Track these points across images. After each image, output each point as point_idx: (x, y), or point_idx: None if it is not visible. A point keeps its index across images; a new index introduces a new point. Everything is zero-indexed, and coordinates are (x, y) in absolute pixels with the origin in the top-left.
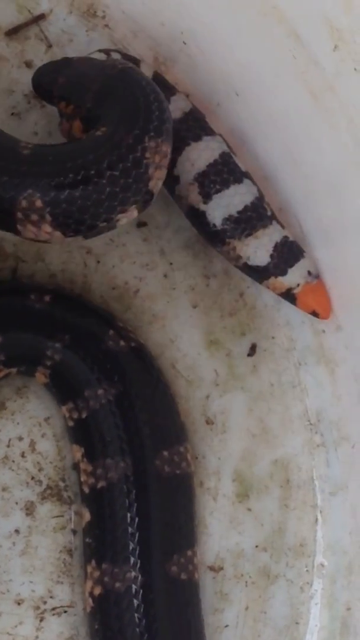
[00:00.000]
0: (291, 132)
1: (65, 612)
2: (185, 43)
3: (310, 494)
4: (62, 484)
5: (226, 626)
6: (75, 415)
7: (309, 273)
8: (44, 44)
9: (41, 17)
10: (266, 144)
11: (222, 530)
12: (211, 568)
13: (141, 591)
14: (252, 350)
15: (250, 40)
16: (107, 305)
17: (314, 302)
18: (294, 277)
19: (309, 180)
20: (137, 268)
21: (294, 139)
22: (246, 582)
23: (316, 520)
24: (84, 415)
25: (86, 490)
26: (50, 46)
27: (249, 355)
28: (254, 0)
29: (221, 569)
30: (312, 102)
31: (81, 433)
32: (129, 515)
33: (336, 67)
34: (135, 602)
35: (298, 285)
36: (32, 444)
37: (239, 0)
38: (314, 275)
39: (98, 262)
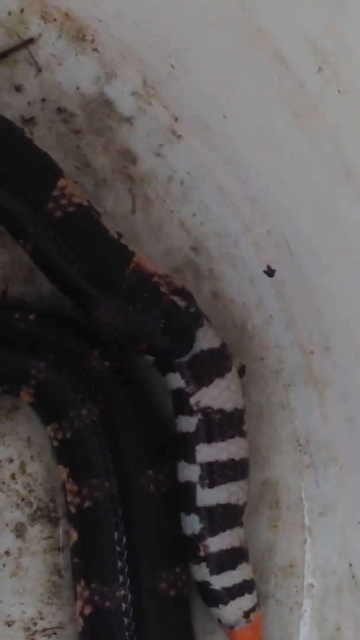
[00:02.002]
0: (278, 154)
1: (55, 633)
2: (173, 66)
3: (300, 514)
4: (51, 505)
5: None
6: (60, 436)
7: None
8: (33, 68)
9: (30, 41)
10: (254, 166)
11: None
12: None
13: (131, 609)
14: (242, 372)
15: (236, 63)
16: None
17: None
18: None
19: (296, 202)
20: None
21: (281, 160)
22: None
23: (305, 540)
24: (68, 435)
25: (73, 510)
26: (40, 70)
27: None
28: (239, 24)
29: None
30: (297, 123)
31: (66, 453)
32: (116, 534)
33: (320, 89)
34: (126, 620)
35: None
36: (22, 466)
37: (224, 23)
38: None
39: None
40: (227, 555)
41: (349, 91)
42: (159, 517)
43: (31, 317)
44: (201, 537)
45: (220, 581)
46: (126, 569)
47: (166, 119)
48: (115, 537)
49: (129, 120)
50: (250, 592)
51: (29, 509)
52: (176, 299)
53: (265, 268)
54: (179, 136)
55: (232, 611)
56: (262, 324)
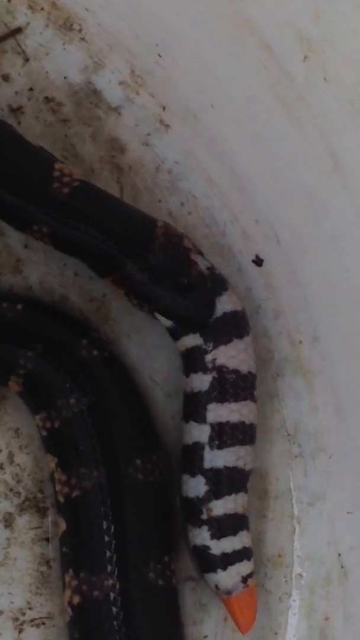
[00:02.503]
0: (266, 144)
1: (43, 623)
2: (160, 55)
3: (288, 504)
4: (40, 496)
5: (205, 637)
6: (49, 425)
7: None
8: (21, 57)
9: (18, 30)
10: (242, 156)
11: None
12: (191, 578)
13: (120, 599)
14: None
15: (223, 52)
16: (85, 317)
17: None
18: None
19: (284, 192)
20: None
21: (269, 150)
22: None
23: (294, 530)
24: (56, 425)
25: (61, 499)
26: (27, 60)
27: None
28: (226, 13)
29: (200, 579)
30: (284, 113)
31: (54, 443)
32: (104, 523)
33: (306, 78)
34: (114, 609)
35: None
36: (11, 456)
37: (211, 13)
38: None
39: (75, 274)
40: (230, 520)
41: (334, 80)
42: (148, 506)
43: (19, 307)
44: (205, 499)
45: (220, 546)
46: (114, 559)
47: (154, 108)
48: (104, 527)
49: (116, 109)
50: (249, 559)
51: (17, 499)
52: (202, 261)
53: (253, 258)
54: (167, 125)
55: (230, 577)
56: (250, 314)
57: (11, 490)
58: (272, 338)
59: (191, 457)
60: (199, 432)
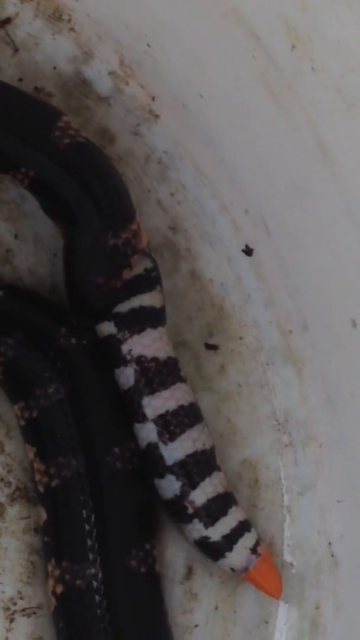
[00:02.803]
0: (254, 133)
1: (34, 613)
2: (149, 45)
3: (279, 493)
4: (30, 485)
5: (196, 626)
6: (27, 415)
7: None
8: (10, 47)
9: (7, 20)
10: (231, 145)
11: None
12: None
13: (102, 587)
14: (214, 347)
15: (211, 42)
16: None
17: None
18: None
19: (273, 181)
20: None
21: (257, 140)
22: (216, 582)
23: (284, 519)
24: (34, 415)
25: (41, 489)
26: (16, 50)
27: (207, 347)
28: (214, 2)
29: (191, 568)
30: (272, 102)
31: (33, 432)
32: (84, 512)
33: (294, 67)
34: (98, 598)
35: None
36: (1, 445)
37: (199, 2)
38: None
39: None
40: (215, 504)
41: (322, 68)
42: (127, 494)
43: (0, 293)
44: (184, 495)
45: (217, 531)
46: (96, 547)
47: (143, 98)
48: (84, 515)
49: (106, 99)
50: (249, 530)
51: (8, 489)
52: (145, 261)
53: (243, 247)
54: (157, 116)
55: (239, 554)
56: (240, 303)
57: (2, 480)
58: (262, 327)
59: (151, 459)
60: (147, 432)
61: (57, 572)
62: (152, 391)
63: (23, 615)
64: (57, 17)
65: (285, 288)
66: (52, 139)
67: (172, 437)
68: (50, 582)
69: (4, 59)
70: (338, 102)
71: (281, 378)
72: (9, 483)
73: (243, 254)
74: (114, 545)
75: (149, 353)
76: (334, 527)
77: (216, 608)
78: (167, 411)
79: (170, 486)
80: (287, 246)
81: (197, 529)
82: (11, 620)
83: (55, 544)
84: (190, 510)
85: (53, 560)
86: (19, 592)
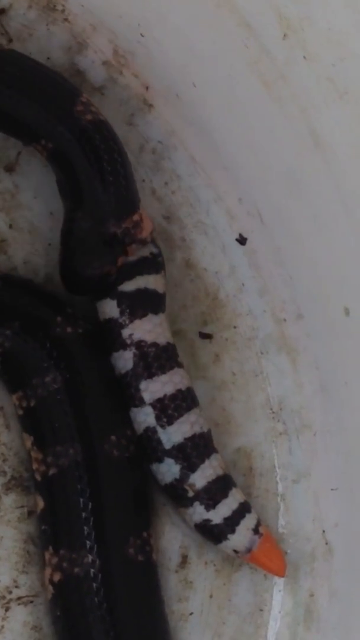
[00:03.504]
0: (248, 122)
1: (31, 601)
2: (143, 35)
3: (273, 481)
4: (25, 474)
5: (191, 614)
6: (25, 404)
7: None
8: (4, 38)
9: (1, 11)
10: (225, 134)
11: None
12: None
13: (100, 575)
14: (208, 336)
15: (204, 31)
16: (70, 297)
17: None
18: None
19: (267, 170)
20: None
21: (251, 128)
22: (211, 570)
23: (279, 508)
24: (32, 404)
25: (38, 478)
26: (11, 40)
27: (201, 336)
28: None
29: (185, 557)
30: (265, 91)
31: (30, 422)
32: (81, 500)
33: (286, 56)
34: (95, 585)
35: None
36: None
37: None
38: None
39: None
40: (215, 486)
41: (314, 57)
42: (124, 482)
43: None
44: (183, 478)
45: (219, 514)
46: (93, 535)
47: (137, 88)
48: (81, 504)
49: (100, 89)
50: (250, 511)
51: (3, 478)
52: (150, 247)
53: (237, 236)
54: (150, 105)
55: (242, 535)
56: (234, 292)
57: None
58: (257, 316)
59: (149, 444)
60: (144, 416)
61: (54, 560)
62: (150, 375)
63: (19, 604)
64: (51, 8)
65: (280, 277)
66: (75, 113)
67: (170, 420)
68: (48, 570)
69: None
70: (330, 91)
71: (275, 366)
72: (4, 472)
73: (237, 243)
74: (111, 533)
75: (149, 338)
76: (329, 515)
77: (211, 596)
78: (165, 395)
79: (169, 470)
80: (281, 235)
81: (198, 512)
82: (7, 609)
83: (53, 532)
84: (191, 494)
85: (51, 548)
86: (15, 581)
